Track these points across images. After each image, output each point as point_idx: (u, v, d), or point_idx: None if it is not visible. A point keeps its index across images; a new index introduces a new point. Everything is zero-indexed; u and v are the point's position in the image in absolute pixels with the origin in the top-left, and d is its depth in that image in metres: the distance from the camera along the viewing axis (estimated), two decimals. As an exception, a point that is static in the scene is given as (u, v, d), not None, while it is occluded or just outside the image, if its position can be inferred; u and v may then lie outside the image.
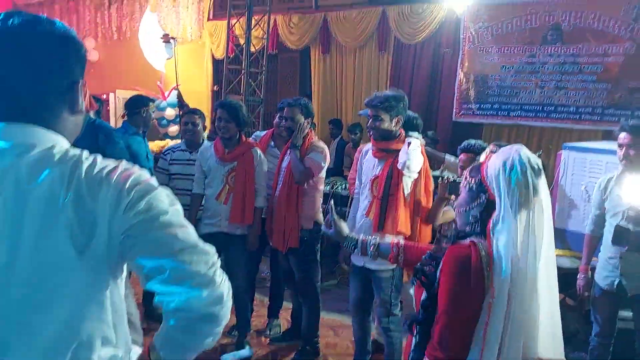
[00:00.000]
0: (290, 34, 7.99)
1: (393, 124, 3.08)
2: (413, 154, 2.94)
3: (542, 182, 1.59)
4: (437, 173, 4.84)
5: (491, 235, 1.57)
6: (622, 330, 3.32)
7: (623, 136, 3.11)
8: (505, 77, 6.55)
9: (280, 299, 4.28)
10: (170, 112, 7.96)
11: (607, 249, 3.27)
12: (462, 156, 3.33)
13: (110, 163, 1.02)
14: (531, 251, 1.54)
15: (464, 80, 6.80)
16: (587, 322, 3.50)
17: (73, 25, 9.55)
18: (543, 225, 1.58)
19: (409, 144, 2.99)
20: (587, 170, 4.33)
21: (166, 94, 8.12)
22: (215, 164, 3.66)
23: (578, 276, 3.42)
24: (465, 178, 1.72)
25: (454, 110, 6.92)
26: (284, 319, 4.29)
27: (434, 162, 4.06)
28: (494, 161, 1.62)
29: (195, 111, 4.20)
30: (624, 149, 3.11)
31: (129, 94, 8.16)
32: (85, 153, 1.03)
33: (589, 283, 3.36)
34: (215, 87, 8.63)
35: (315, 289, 3.76)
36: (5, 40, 0.98)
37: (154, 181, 1.05)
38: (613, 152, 4.05)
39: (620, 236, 3.08)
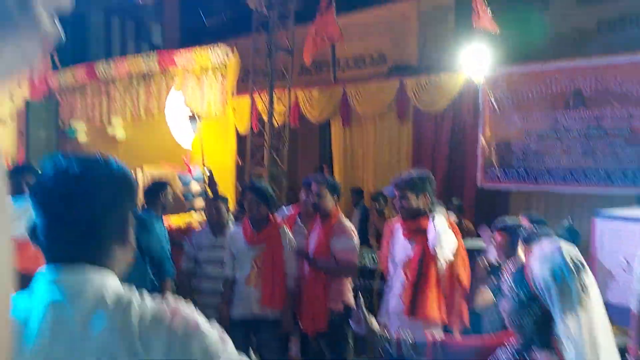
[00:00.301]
0: (311, 107, 8.16)
1: (420, 202, 3.07)
2: (443, 236, 2.86)
3: (589, 276, 1.53)
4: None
5: (559, 347, 1.50)
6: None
7: None
8: (529, 143, 6.50)
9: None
10: (196, 187, 8.04)
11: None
12: (497, 236, 3.19)
13: (161, 305, 1.01)
14: (604, 347, 1.48)
15: (487, 146, 6.77)
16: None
17: (103, 106, 9.93)
18: (601, 318, 1.52)
19: (434, 218, 2.94)
20: (623, 240, 4.18)
21: (192, 168, 8.25)
22: (244, 247, 3.62)
23: (627, 357, 3.20)
24: (511, 287, 1.63)
25: (479, 176, 6.85)
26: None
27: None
28: (539, 270, 1.55)
29: (220, 198, 4.21)
30: None
31: (156, 169, 8.34)
32: (136, 296, 1.02)
33: (640, 367, 3.14)
34: (239, 160, 8.75)
35: None
36: (67, 184, 1.01)
37: (203, 323, 1.03)
38: (650, 221, 3.93)
39: None
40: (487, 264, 3.16)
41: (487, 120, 6.76)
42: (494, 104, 6.68)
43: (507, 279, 1.66)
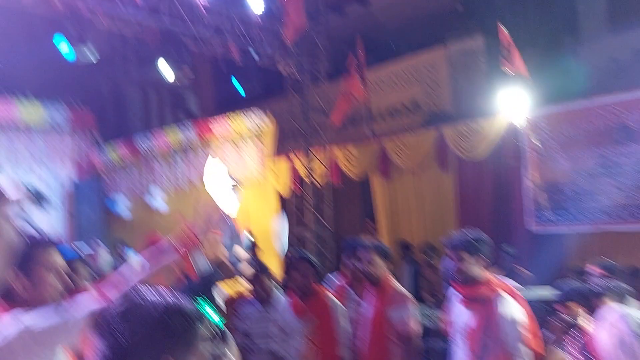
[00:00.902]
0: (350, 164, 8.17)
1: (475, 265, 2.88)
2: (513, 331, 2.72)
3: None
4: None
5: None
6: None
7: None
8: (579, 182, 6.29)
9: None
10: (242, 252, 8.06)
11: None
12: (571, 306, 2.81)
13: None
14: None
15: (535, 189, 6.59)
16: None
17: (146, 179, 10.20)
18: None
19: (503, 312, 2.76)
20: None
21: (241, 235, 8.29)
22: (292, 319, 3.54)
23: None
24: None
25: (530, 221, 6.64)
26: None
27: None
28: (608, 345, 1.46)
29: (263, 272, 4.14)
30: None
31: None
32: None
33: None
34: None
35: None
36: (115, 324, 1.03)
37: None
38: None
39: None
40: (562, 322, 2.92)
41: (532, 163, 6.60)
42: (538, 145, 6.53)
43: (573, 353, 1.56)
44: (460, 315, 2.99)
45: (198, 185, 9.32)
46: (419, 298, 6.09)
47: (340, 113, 7.57)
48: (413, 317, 3.38)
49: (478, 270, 2.90)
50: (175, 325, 1.05)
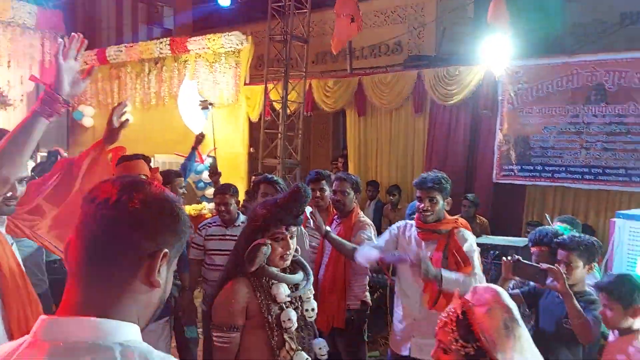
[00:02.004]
0: (325, 97, 8.06)
1: (444, 205, 3.00)
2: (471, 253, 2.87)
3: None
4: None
5: None
6: None
7: None
8: (548, 138, 6.38)
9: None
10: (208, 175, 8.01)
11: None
12: (535, 250, 3.05)
13: None
14: None
15: (504, 141, 6.66)
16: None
17: (114, 92, 9.90)
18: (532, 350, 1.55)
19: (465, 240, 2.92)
20: (644, 240, 4.08)
21: (203, 156, 8.21)
22: None
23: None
24: (456, 340, 1.55)
25: (494, 171, 6.75)
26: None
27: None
28: (490, 323, 1.50)
29: (224, 190, 4.05)
30: None
31: (167, 158, 8.31)
32: (156, 359, 0.88)
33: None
34: (251, 149, 8.70)
35: None
36: (99, 207, 0.91)
37: None
38: (674, 222, 3.83)
39: None
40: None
41: (505, 115, 6.63)
42: (513, 97, 6.55)
43: (450, 331, 1.57)
44: (414, 249, 3.06)
45: (168, 102, 9.11)
46: (379, 234, 6.22)
47: (340, 40, 7.37)
48: (367, 237, 3.44)
49: (443, 210, 3.01)
50: (183, 219, 0.98)
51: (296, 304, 2.22)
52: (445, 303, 2.93)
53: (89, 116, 10.38)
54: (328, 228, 3.37)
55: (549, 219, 4.75)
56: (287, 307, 2.16)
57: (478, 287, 1.59)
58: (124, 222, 0.90)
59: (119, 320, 0.88)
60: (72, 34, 1.78)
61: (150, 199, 0.93)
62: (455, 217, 3.11)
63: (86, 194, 0.94)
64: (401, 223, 3.27)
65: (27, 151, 1.72)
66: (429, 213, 2.95)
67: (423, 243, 3.02)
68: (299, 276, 2.25)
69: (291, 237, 2.20)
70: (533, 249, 3.06)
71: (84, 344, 0.84)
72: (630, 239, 4.17)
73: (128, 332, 0.89)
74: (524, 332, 1.52)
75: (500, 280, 3.01)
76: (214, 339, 2.11)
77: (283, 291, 2.14)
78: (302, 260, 2.34)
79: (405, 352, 3.02)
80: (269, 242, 2.13)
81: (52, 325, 0.87)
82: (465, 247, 2.89)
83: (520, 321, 1.53)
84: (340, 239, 3.37)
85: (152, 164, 8.44)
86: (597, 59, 6.09)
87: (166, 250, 0.93)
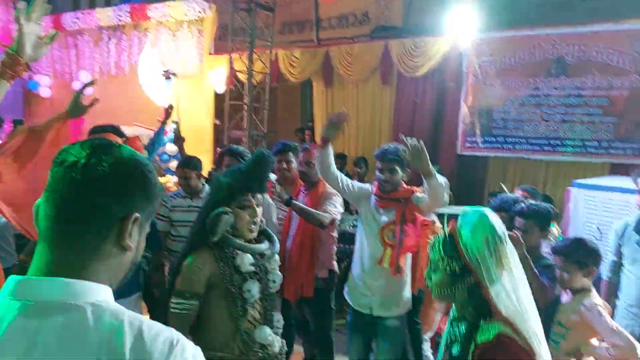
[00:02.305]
0: (291, 67, 7.98)
1: (402, 176, 3.12)
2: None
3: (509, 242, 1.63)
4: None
5: (500, 310, 1.55)
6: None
7: None
8: (510, 110, 6.52)
9: (290, 346, 4.15)
10: (172, 148, 7.88)
11: (627, 297, 3.18)
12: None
13: (157, 342, 0.86)
14: (530, 309, 1.59)
15: (468, 113, 6.77)
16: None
17: (71, 61, 9.55)
18: (522, 278, 1.64)
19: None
20: (598, 209, 4.27)
21: (167, 129, 8.06)
22: None
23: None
24: (442, 259, 1.64)
25: (459, 143, 6.87)
26: (295, 366, 4.17)
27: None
28: (472, 242, 1.58)
29: (185, 164, 4.00)
30: None
31: (128, 130, 8.12)
32: (127, 318, 0.87)
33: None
34: (216, 121, 8.59)
35: (330, 337, 3.71)
36: (70, 171, 0.90)
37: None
38: (624, 190, 4.01)
39: None
40: None
41: (469, 87, 6.73)
42: (477, 70, 6.64)
43: (437, 251, 1.66)
44: (375, 216, 3.14)
45: (129, 72, 8.87)
46: (347, 207, 6.29)
47: None
48: (334, 205, 3.50)
49: (401, 180, 3.12)
50: (152, 183, 0.97)
51: (260, 274, 2.20)
52: (403, 273, 3.06)
53: (46, 86, 10.02)
54: (290, 197, 3.41)
55: (505, 189, 4.89)
56: (250, 277, 2.14)
57: (467, 210, 1.67)
58: (93, 186, 0.89)
59: (91, 281, 0.89)
60: None
61: (119, 162, 0.91)
62: (413, 187, 3.19)
63: (55, 156, 0.92)
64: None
65: None
66: (387, 183, 3.06)
67: (381, 210, 3.11)
68: (263, 245, 2.22)
69: (257, 205, 2.18)
70: None
71: (56, 303, 0.85)
72: (585, 206, 4.36)
73: (100, 293, 0.89)
74: (509, 251, 1.60)
75: None
76: (172, 305, 2.08)
77: (247, 261, 2.12)
78: (269, 230, 2.33)
79: (365, 311, 3.15)
80: (231, 210, 2.10)
81: (24, 284, 0.87)
82: (422, 201, 3.00)
83: (506, 240, 1.60)
84: (302, 205, 3.42)
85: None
86: (559, 32, 6.22)
87: (137, 214, 0.93)
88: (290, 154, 3.82)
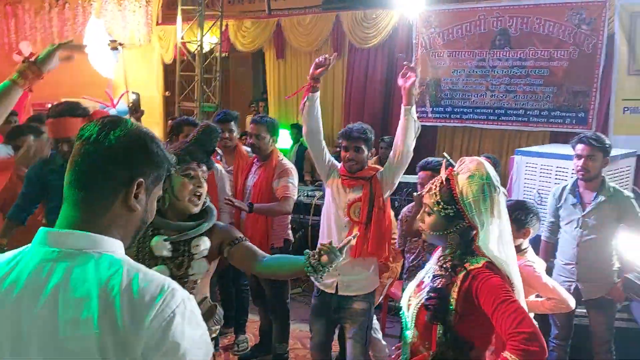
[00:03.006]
0: (242, 37, 7.91)
1: (368, 155, 3.09)
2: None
3: (502, 190, 1.74)
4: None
5: (486, 253, 1.68)
6: (577, 326, 3.49)
7: (581, 148, 3.24)
8: (457, 81, 6.72)
9: (245, 314, 4.25)
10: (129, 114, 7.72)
11: (563, 255, 3.43)
12: (421, 174, 3.28)
13: (149, 285, 1.00)
14: (511, 255, 1.71)
15: (418, 84, 6.91)
16: (544, 322, 3.65)
17: (10, 31, 9.08)
18: (509, 227, 1.76)
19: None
20: (538, 174, 4.52)
21: (115, 100, 7.88)
22: None
23: (537, 281, 3.55)
24: (438, 203, 1.73)
25: (409, 113, 7.04)
26: (250, 334, 4.28)
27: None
28: (468, 188, 1.67)
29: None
30: (582, 159, 3.23)
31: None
32: (127, 266, 1.03)
33: (547, 288, 3.51)
34: (166, 92, 8.44)
35: (286, 305, 3.76)
36: (85, 143, 1.07)
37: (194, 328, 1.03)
38: (562, 157, 4.26)
39: None
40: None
41: (419, 58, 6.88)
42: (426, 42, 6.79)
43: (434, 195, 1.75)
44: (339, 194, 3.09)
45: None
46: (301, 178, 6.38)
47: None
48: (293, 186, 3.56)
49: (367, 159, 3.08)
50: (156, 153, 1.12)
51: (179, 260, 2.01)
52: (370, 250, 3.00)
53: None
54: (251, 204, 3.39)
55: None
56: (163, 262, 1.99)
57: (465, 158, 1.74)
58: (101, 156, 1.06)
59: (103, 235, 1.06)
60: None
61: (124, 135, 1.07)
62: (377, 166, 3.21)
63: (78, 133, 1.10)
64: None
65: (4, 114, 1.87)
66: (354, 162, 3.00)
67: (347, 188, 3.05)
68: (191, 224, 2.03)
69: (203, 178, 2.08)
70: (420, 174, 3.23)
71: (71, 250, 1.03)
72: (526, 173, 4.61)
73: (110, 245, 1.06)
74: (501, 199, 1.70)
75: (413, 214, 3.27)
76: None
77: (162, 245, 1.98)
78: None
79: (331, 290, 3.08)
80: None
81: (50, 235, 1.05)
82: (387, 172, 3.02)
83: (500, 188, 1.69)
84: (265, 207, 3.46)
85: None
86: (502, 5, 6.42)
87: (141, 179, 1.09)
88: (232, 123, 3.88)
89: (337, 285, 3.05)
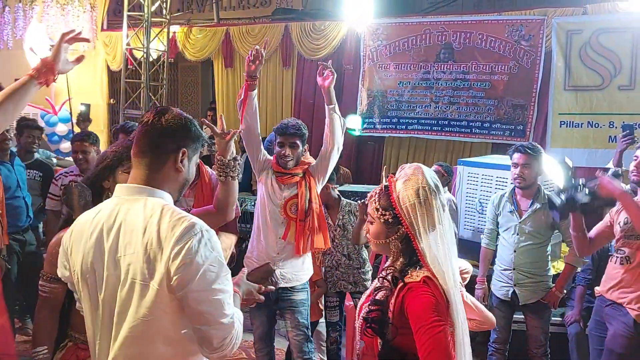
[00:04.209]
0: (190, 46, 7.81)
1: (303, 151, 3.12)
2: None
3: (442, 194, 1.71)
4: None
5: (427, 262, 1.62)
6: (515, 331, 3.60)
7: (517, 157, 3.35)
8: (403, 93, 6.87)
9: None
10: (62, 128, 7.46)
11: (501, 261, 3.53)
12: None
13: (177, 220, 1.41)
14: (452, 265, 1.66)
15: (366, 95, 7.04)
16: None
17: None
18: (452, 234, 1.71)
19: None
20: (479, 184, 4.65)
21: (57, 107, 7.61)
22: None
23: (476, 286, 3.64)
24: (377, 209, 1.71)
25: (356, 124, 7.13)
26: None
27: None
28: (404, 192, 1.66)
29: (85, 137, 3.80)
30: (518, 167, 3.34)
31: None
32: (165, 207, 1.45)
33: (486, 293, 3.60)
34: (111, 100, 8.22)
35: None
36: (142, 127, 1.54)
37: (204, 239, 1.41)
38: (502, 167, 4.41)
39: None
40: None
41: (366, 70, 6.99)
42: (373, 54, 6.91)
43: (373, 202, 1.73)
44: (273, 191, 3.10)
45: (13, 47, 8.22)
46: (249, 189, 6.33)
47: None
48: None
49: (301, 155, 3.12)
50: (195, 131, 1.56)
51: None
52: (312, 245, 3.06)
53: None
54: None
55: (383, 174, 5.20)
56: None
57: (404, 165, 1.72)
58: (154, 133, 1.51)
59: (155, 188, 1.49)
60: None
61: (170, 118, 1.51)
62: (308, 158, 3.24)
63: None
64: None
65: (21, 108, 1.99)
66: (289, 158, 3.02)
67: (282, 185, 3.08)
68: None
69: None
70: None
71: (132, 198, 1.49)
72: (468, 182, 4.74)
73: (159, 194, 1.50)
74: (440, 204, 1.65)
75: (358, 221, 3.31)
76: (39, 287, 2.00)
77: None
78: None
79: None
80: (80, 183, 2.01)
81: (119, 188, 1.54)
82: (319, 164, 3.11)
83: (440, 194, 1.65)
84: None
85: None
86: (447, 20, 6.63)
87: (184, 148, 1.53)
88: None
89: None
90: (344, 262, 3.71)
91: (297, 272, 3.15)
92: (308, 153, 4.04)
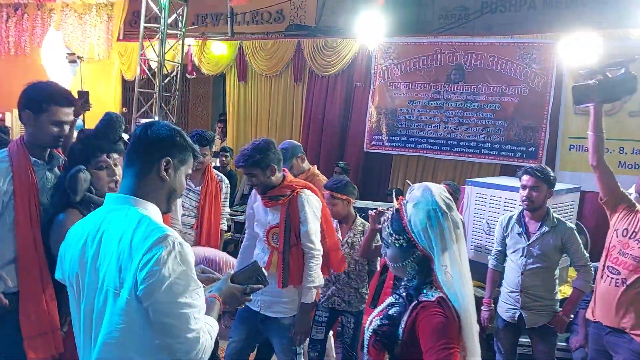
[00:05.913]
0: (205, 60, 7.91)
1: (268, 175, 2.82)
2: (309, 216, 2.87)
3: (456, 212, 1.68)
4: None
5: (441, 284, 1.62)
6: (520, 355, 3.57)
7: (526, 179, 3.35)
8: (413, 112, 6.90)
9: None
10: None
11: (508, 283, 3.51)
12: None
13: (151, 231, 1.43)
14: (467, 286, 1.63)
15: (375, 113, 7.08)
16: (489, 348, 3.72)
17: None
18: (465, 252, 1.69)
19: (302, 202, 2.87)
20: (487, 205, 4.65)
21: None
22: None
23: (482, 308, 3.62)
24: (391, 235, 1.71)
25: (365, 141, 7.17)
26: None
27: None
28: (415, 215, 1.65)
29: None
30: (527, 190, 3.34)
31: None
32: (143, 218, 1.48)
33: (492, 315, 3.58)
34: (124, 109, 8.31)
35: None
36: (133, 139, 1.60)
37: (171, 248, 1.41)
38: (510, 189, 4.41)
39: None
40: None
41: (376, 88, 7.04)
42: (384, 72, 6.96)
43: (387, 227, 1.73)
44: (263, 215, 2.97)
45: (30, 53, 8.35)
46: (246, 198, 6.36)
47: None
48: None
49: (269, 177, 2.83)
50: (180, 142, 1.59)
51: None
52: (291, 281, 2.87)
53: None
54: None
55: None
56: None
57: (414, 186, 1.70)
58: (141, 144, 1.56)
59: (139, 198, 1.53)
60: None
61: (156, 130, 1.57)
62: (297, 179, 3.10)
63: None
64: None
65: None
66: (257, 186, 2.87)
67: (268, 209, 2.93)
68: None
69: (115, 165, 2.30)
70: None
71: (117, 207, 1.53)
72: (476, 202, 4.74)
73: (143, 204, 1.53)
74: (452, 224, 1.62)
75: (368, 231, 3.29)
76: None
77: None
78: None
79: (255, 308, 2.97)
80: (85, 168, 2.20)
81: (107, 197, 1.60)
82: (300, 216, 2.84)
83: (452, 215, 1.62)
84: None
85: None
86: (458, 41, 6.68)
87: (168, 158, 1.55)
88: (207, 147, 3.86)
89: (260, 305, 2.95)
90: (342, 278, 3.49)
91: (281, 304, 2.95)
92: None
